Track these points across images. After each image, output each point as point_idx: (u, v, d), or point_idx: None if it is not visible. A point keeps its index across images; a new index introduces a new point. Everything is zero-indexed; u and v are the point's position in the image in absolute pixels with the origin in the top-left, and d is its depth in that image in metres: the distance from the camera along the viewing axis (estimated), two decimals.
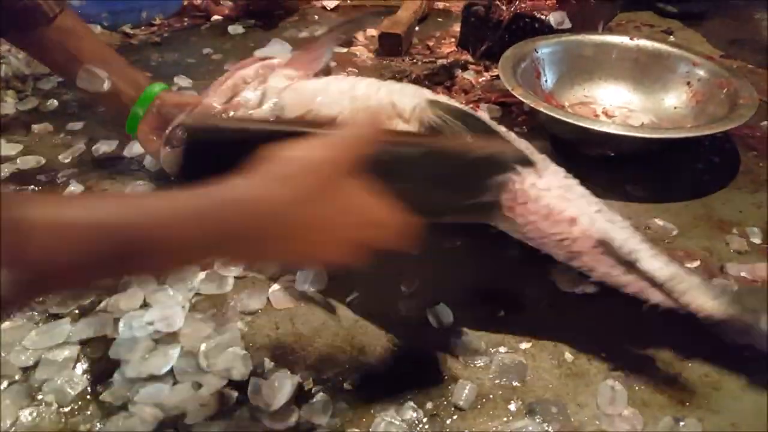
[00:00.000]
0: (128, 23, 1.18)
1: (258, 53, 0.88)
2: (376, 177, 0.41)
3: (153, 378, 0.52)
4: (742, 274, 0.63)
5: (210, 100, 0.69)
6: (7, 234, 0.29)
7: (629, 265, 0.53)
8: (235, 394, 0.51)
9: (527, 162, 0.55)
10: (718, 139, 0.87)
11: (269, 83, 0.67)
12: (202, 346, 0.55)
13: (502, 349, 0.55)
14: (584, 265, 0.56)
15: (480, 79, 1.04)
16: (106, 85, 0.70)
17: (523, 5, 1.03)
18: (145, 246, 0.34)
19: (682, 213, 0.73)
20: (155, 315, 0.57)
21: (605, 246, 0.53)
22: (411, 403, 0.50)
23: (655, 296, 0.53)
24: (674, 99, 0.90)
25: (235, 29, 1.18)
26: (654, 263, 0.53)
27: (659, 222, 0.71)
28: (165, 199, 0.36)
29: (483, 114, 0.87)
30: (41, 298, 0.57)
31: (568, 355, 0.55)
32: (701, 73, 0.89)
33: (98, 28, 1.15)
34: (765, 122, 0.93)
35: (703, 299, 0.52)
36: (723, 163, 0.84)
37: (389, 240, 0.42)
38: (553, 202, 0.55)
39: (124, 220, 0.34)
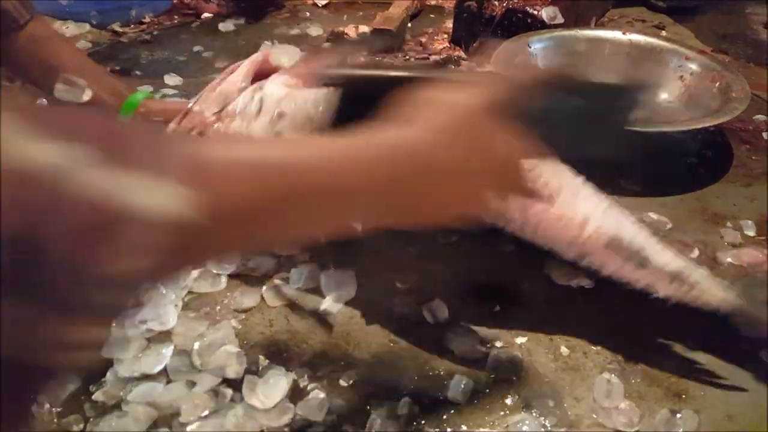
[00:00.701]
0: (117, 21, 1.17)
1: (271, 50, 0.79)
2: (524, 123, 0.40)
3: (146, 377, 0.52)
4: (728, 260, 0.64)
5: (201, 107, 0.64)
6: (188, 170, 0.26)
7: (638, 262, 0.54)
8: (229, 392, 0.51)
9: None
10: (712, 133, 0.87)
11: (266, 90, 0.62)
12: (196, 345, 0.54)
13: (498, 344, 0.55)
14: (594, 263, 0.56)
15: None
16: (87, 95, 0.66)
17: (515, 1, 1.03)
18: (315, 188, 0.32)
19: (677, 207, 0.73)
20: (148, 314, 0.56)
21: (615, 245, 0.54)
22: (407, 399, 0.50)
23: (664, 290, 0.54)
24: (667, 93, 0.90)
25: (225, 27, 1.17)
26: (663, 257, 0.54)
27: (654, 216, 0.71)
28: (337, 143, 0.35)
29: None
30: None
31: (564, 349, 0.55)
32: (693, 67, 0.89)
33: (87, 27, 1.14)
34: (758, 116, 0.93)
35: (712, 292, 0.53)
36: (716, 157, 0.84)
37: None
38: (565, 203, 0.55)
39: (296, 161, 0.32)
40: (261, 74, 0.62)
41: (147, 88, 0.94)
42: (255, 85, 0.61)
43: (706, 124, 0.75)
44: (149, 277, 0.28)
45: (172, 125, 0.62)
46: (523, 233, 0.58)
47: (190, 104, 0.63)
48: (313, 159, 0.32)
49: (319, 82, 0.53)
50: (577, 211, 0.55)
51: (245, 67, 0.63)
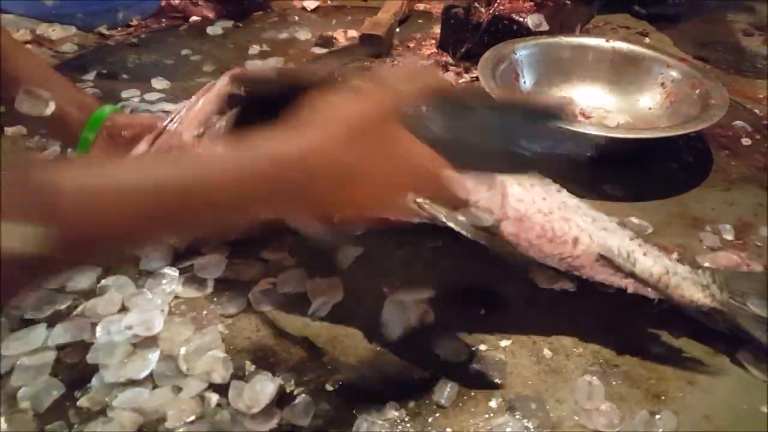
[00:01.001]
0: (104, 24, 1.16)
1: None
2: (422, 129, 0.41)
3: (132, 382, 0.52)
4: (706, 264, 0.65)
5: (179, 128, 0.58)
6: (33, 195, 0.29)
7: (627, 269, 0.56)
8: (215, 397, 0.51)
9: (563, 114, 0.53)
10: (692, 138, 0.89)
11: None
12: (182, 350, 0.54)
13: (482, 347, 0.56)
14: (584, 274, 0.58)
15: (460, 81, 1.04)
16: (50, 109, 0.62)
17: (501, 8, 1.04)
18: (187, 201, 0.34)
19: (657, 211, 0.75)
20: (134, 319, 0.57)
21: (606, 258, 0.56)
22: (393, 403, 0.50)
23: (651, 293, 0.56)
24: (649, 100, 0.92)
25: (213, 30, 1.17)
26: (647, 262, 0.56)
27: (635, 220, 0.72)
28: (220, 157, 0.37)
29: None
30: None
31: (547, 352, 0.56)
32: (674, 74, 0.91)
33: (73, 29, 1.13)
34: (737, 122, 0.95)
35: (693, 291, 0.55)
36: (696, 163, 0.85)
37: (433, 189, 0.43)
38: (557, 225, 0.56)
39: (168, 179, 0.34)
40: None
41: (134, 92, 0.95)
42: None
43: (686, 131, 0.77)
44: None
45: (143, 145, 0.58)
46: (514, 256, 0.58)
47: (166, 123, 0.59)
48: (187, 173, 0.35)
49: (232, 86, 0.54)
50: (568, 231, 0.56)
51: (219, 87, 0.59)
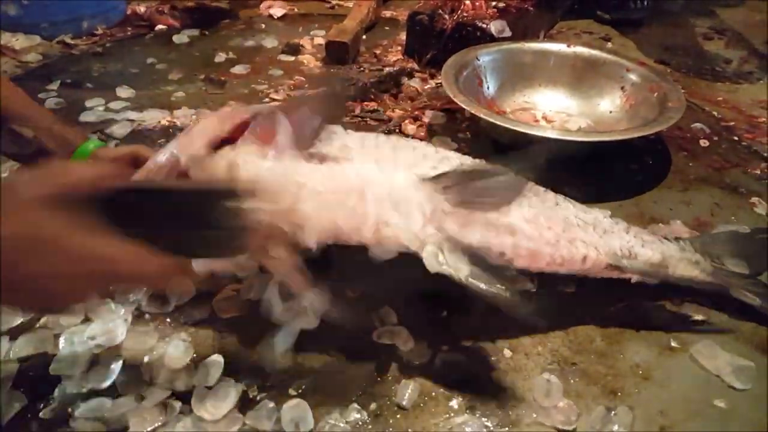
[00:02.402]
0: (69, 33, 1.15)
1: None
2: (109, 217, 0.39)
3: (95, 392, 0.52)
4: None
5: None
6: None
7: (633, 270, 0.60)
8: (178, 405, 0.51)
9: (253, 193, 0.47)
10: (652, 141, 0.92)
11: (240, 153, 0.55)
12: (146, 359, 0.55)
13: (444, 348, 0.57)
14: (591, 276, 0.60)
15: (425, 87, 1.06)
16: (33, 146, 0.63)
17: (465, 14, 1.06)
18: None
19: (616, 212, 0.75)
20: (96, 329, 0.57)
21: (614, 264, 0.59)
22: (355, 405, 0.51)
23: (651, 279, 0.61)
24: (609, 103, 0.94)
25: (180, 38, 1.17)
26: (646, 253, 0.60)
27: None
28: None
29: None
30: None
31: (507, 351, 0.57)
32: (634, 78, 0.93)
33: (37, 39, 1.12)
34: (695, 124, 0.98)
35: (689, 269, 0.61)
36: (655, 164, 0.88)
37: (124, 277, 0.41)
38: (565, 251, 0.58)
39: None
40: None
41: (98, 101, 0.94)
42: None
43: (643, 133, 0.79)
44: None
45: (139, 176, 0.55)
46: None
47: (159, 156, 0.56)
48: None
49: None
50: (576, 252, 0.58)
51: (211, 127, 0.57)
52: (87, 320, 0.58)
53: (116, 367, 0.54)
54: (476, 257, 0.52)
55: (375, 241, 0.52)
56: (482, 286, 0.50)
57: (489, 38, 1.03)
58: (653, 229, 0.72)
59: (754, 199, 0.81)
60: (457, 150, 0.87)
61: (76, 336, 0.56)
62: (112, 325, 0.57)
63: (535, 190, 0.61)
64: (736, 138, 0.95)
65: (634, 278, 0.61)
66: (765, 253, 0.64)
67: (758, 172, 0.87)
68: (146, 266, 0.40)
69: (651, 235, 0.63)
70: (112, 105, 0.94)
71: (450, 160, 0.59)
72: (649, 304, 0.63)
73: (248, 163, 0.53)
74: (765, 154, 0.91)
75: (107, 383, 0.53)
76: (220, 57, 1.11)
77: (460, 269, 0.51)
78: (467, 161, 0.61)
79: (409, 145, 0.61)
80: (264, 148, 0.54)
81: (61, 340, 0.56)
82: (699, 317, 0.62)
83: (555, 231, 0.58)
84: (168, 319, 0.59)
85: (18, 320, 0.58)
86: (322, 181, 0.52)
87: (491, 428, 0.50)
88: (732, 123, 1.00)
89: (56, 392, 0.52)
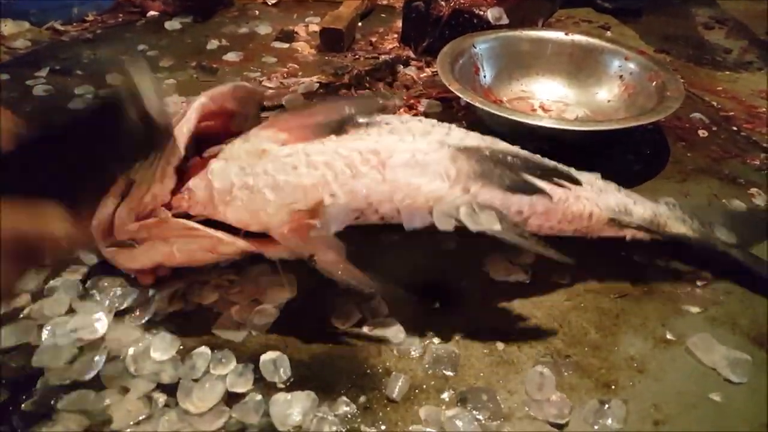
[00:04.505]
0: (59, 20, 1.13)
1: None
2: None
3: (78, 384, 0.51)
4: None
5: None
6: None
7: (631, 224, 0.62)
8: (163, 397, 0.50)
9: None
10: (650, 131, 0.90)
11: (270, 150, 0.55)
12: (130, 350, 0.53)
13: (435, 340, 0.56)
14: (590, 234, 0.63)
15: (421, 75, 1.04)
16: None
17: (462, 1, 1.04)
18: None
19: None
20: (80, 321, 0.55)
21: (613, 220, 0.62)
22: (344, 398, 0.50)
23: (641, 235, 0.63)
24: (607, 93, 0.93)
25: (171, 25, 1.15)
26: (638, 209, 0.63)
27: None
28: None
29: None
30: None
31: (500, 343, 0.56)
32: (632, 66, 0.92)
33: (26, 25, 1.10)
34: (694, 114, 0.96)
35: (678, 225, 0.64)
36: (654, 155, 0.87)
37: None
38: (574, 208, 0.60)
39: None
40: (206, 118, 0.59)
41: (88, 88, 0.93)
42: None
43: (641, 122, 0.78)
44: None
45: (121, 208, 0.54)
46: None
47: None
48: None
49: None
50: (583, 209, 0.61)
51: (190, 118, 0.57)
52: (71, 311, 0.57)
53: (100, 359, 0.53)
54: (501, 215, 0.55)
55: (407, 209, 0.54)
56: (517, 239, 0.55)
57: (486, 26, 1.01)
58: None
59: (753, 190, 0.79)
60: None
61: (59, 327, 0.55)
62: (96, 316, 0.56)
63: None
64: (735, 128, 0.94)
65: (628, 236, 0.63)
66: (757, 229, 0.67)
67: (757, 162, 0.85)
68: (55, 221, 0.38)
69: (640, 196, 0.66)
70: (102, 92, 0.92)
71: (456, 130, 0.62)
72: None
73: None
74: (764, 145, 0.90)
75: (91, 375, 0.51)
76: (213, 44, 1.10)
77: (494, 226, 0.54)
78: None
79: (413, 119, 0.63)
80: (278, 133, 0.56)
81: (45, 331, 0.55)
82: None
83: (564, 188, 0.59)
84: (154, 310, 0.57)
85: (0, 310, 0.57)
86: (343, 156, 0.54)
87: (482, 421, 0.49)
88: (731, 113, 0.98)
89: (39, 384, 0.51)
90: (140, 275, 0.58)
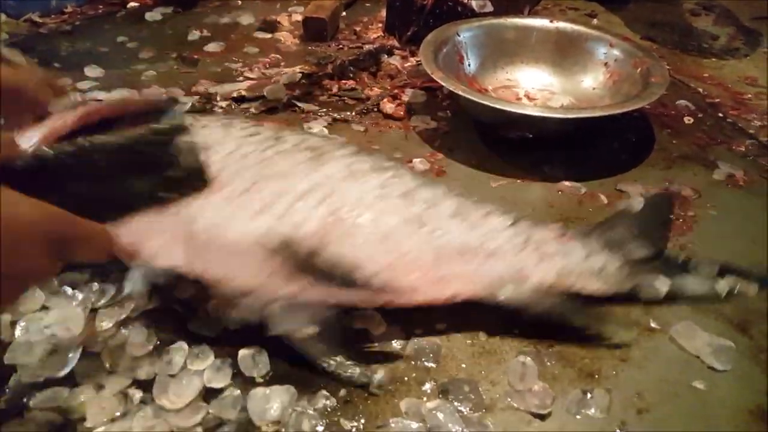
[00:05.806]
0: (36, 11, 1.11)
1: None
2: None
3: (51, 382, 0.50)
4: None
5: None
6: None
7: (526, 301, 0.54)
8: (139, 393, 0.49)
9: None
10: (635, 118, 0.90)
11: None
12: (106, 346, 0.52)
13: (417, 332, 0.55)
14: None
15: (406, 65, 1.03)
16: None
17: None
18: None
19: (597, 190, 0.75)
20: (55, 317, 0.54)
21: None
22: (324, 392, 0.49)
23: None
24: (592, 80, 0.92)
25: (152, 16, 1.13)
26: (539, 272, 0.54)
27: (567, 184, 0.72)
28: None
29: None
30: None
31: (482, 334, 0.55)
32: (617, 53, 0.91)
33: (3, 17, 1.08)
34: (680, 101, 0.96)
35: (590, 282, 0.56)
36: (639, 142, 0.86)
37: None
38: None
39: None
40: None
41: (66, 81, 0.91)
42: None
43: (625, 109, 0.77)
44: None
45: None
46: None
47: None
48: None
49: None
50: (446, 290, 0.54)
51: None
52: (45, 308, 0.56)
53: (74, 355, 0.51)
54: None
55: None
56: None
57: (470, 14, 1.00)
58: None
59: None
60: (437, 129, 0.86)
61: (33, 323, 0.54)
62: (71, 312, 0.55)
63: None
64: (721, 115, 0.94)
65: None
66: (662, 226, 0.63)
67: (743, 149, 0.85)
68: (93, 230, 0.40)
69: (547, 233, 0.57)
70: (80, 85, 0.90)
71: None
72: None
73: None
74: (750, 131, 0.89)
75: (65, 372, 0.50)
76: (194, 35, 1.08)
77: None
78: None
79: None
80: None
81: (18, 328, 0.53)
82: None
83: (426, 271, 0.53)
84: (131, 305, 0.56)
85: None
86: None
87: (464, 413, 0.48)
88: (717, 100, 0.98)
89: (11, 382, 0.50)
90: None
